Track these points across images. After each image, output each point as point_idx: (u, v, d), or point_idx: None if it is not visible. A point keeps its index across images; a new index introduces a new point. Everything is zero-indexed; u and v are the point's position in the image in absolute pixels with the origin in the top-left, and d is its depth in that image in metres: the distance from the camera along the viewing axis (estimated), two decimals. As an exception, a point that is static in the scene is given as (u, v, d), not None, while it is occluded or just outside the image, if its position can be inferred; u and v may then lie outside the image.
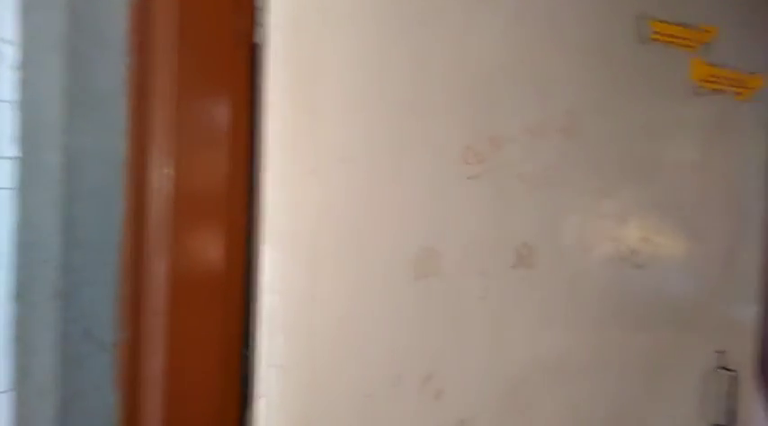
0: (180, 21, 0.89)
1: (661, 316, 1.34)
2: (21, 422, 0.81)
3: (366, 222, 0.98)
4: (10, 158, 0.79)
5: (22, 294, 0.80)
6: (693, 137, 1.36)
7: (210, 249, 0.93)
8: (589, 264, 1.22)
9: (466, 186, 1.06)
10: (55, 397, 0.83)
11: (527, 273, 1.13)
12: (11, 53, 0.79)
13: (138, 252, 0.88)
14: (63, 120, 0.82)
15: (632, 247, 1.27)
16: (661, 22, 1.26)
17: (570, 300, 1.19)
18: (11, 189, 0.80)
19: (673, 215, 1.33)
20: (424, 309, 1.04)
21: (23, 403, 0.81)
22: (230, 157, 0.93)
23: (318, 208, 0.94)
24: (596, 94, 1.20)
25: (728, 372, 1.40)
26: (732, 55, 1.38)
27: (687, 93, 1.33)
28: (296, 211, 0.93)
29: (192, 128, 0.91)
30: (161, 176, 0.89)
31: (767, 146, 1.46)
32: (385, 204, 0.99)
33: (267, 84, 0.90)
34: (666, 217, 1.33)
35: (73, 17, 0.83)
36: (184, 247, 0.90)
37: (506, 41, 1.09)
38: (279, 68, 0.91)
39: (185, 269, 0.90)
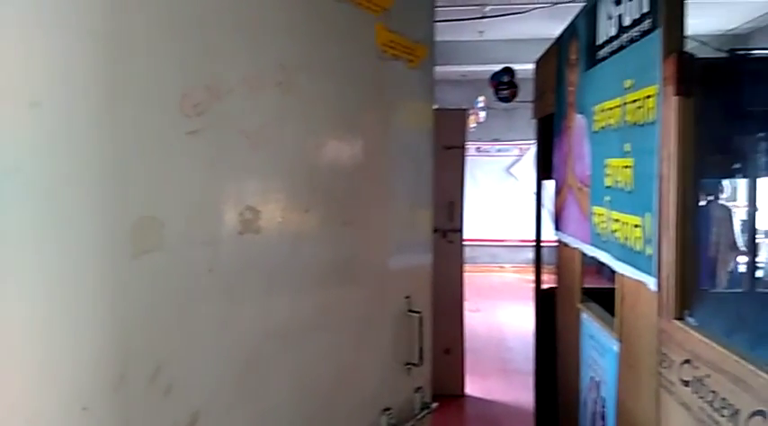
0: None
1: (363, 272, 1.39)
2: None
3: (67, 188, 0.75)
4: None
5: None
6: (379, 100, 1.43)
7: None
8: (307, 224, 1.19)
9: (186, 142, 0.90)
10: None
11: (254, 239, 1.04)
12: None
13: None
14: None
15: (340, 205, 1.29)
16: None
17: (293, 264, 1.14)
18: None
19: (367, 176, 1.39)
20: (147, 291, 0.86)
21: None
22: None
23: (1, 172, 0.69)
24: (305, 50, 1.15)
25: (415, 314, 1.54)
26: (404, 24, 1.49)
27: (373, 56, 1.39)
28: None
29: None
30: None
31: (432, 113, 1.64)
32: (91, 164, 0.78)
33: None
34: (362, 177, 1.37)
35: None
36: None
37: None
38: None
39: None
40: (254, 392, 1.06)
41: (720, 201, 4.98)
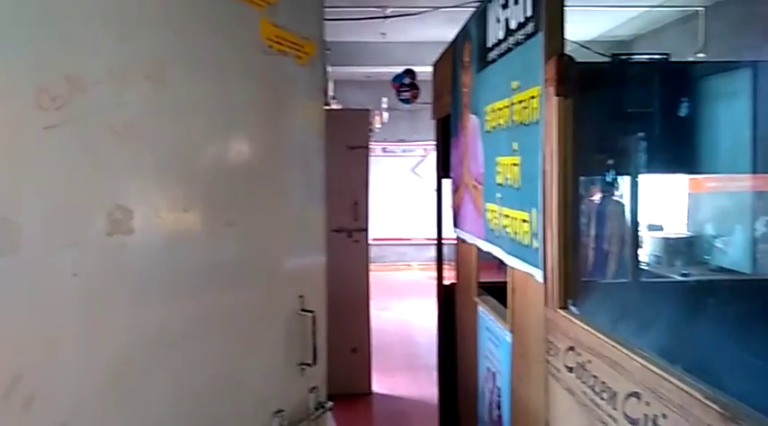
0: None
1: (251, 272, 1.36)
2: None
3: None
4: None
5: None
6: (266, 96, 1.40)
7: None
8: (186, 225, 1.14)
9: (43, 137, 0.84)
10: None
11: (124, 240, 0.98)
12: None
13: None
14: None
15: (223, 204, 1.25)
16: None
17: (171, 266, 1.10)
18: None
19: (254, 175, 1.35)
20: (0, 298, 0.79)
21: None
22: None
23: None
24: (181, 43, 1.11)
25: (308, 313, 1.52)
26: (291, 19, 1.46)
27: (258, 51, 1.36)
28: None
29: None
30: None
31: (322, 110, 1.63)
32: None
33: None
34: (248, 176, 1.34)
35: None
36: None
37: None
38: None
39: None
40: (127, 401, 1.00)
41: (615, 198, 5.26)
